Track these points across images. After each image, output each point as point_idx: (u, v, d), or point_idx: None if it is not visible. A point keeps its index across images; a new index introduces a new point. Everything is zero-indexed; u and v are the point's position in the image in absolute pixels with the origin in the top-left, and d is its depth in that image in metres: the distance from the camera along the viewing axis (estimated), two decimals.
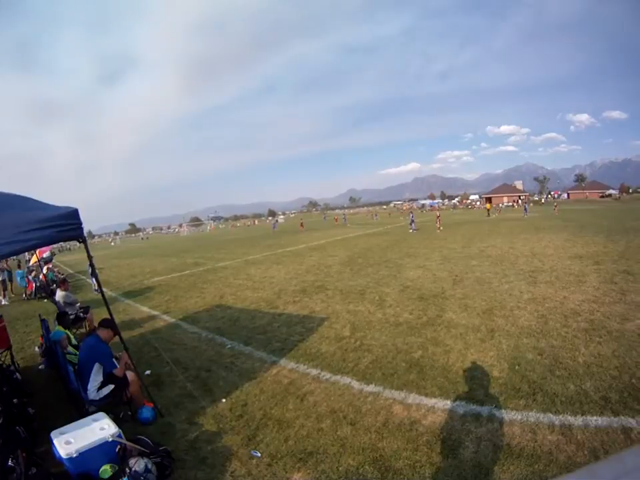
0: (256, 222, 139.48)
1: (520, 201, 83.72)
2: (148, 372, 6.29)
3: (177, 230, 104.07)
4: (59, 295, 9.64)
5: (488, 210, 52.79)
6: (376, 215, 76.74)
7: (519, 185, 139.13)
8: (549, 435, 3.80)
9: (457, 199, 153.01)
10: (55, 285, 12.99)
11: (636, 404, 4.15)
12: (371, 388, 5.08)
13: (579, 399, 4.37)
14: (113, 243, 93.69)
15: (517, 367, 5.26)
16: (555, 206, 54.01)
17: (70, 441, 3.58)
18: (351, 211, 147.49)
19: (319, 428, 4.29)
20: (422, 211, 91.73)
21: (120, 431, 3.83)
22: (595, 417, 4.01)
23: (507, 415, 4.21)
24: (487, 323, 7.10)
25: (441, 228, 28.45)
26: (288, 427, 4.39)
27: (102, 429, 3.79)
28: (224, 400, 5.16)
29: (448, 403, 4.55)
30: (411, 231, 30.02)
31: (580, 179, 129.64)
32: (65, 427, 3.83)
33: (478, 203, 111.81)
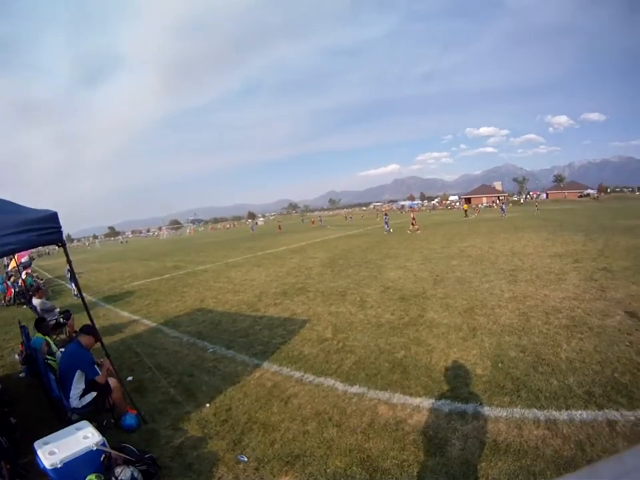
0: (235, 224, 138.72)
1: (498, 201, 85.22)
2: (130, 378, 6.19)
3: (156, 233, 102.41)
4: (35, 302, 9.47)
5: (465, 211, 53.38)
6: (350, 217, 77.48)
7: (498, 185, 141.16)
8: (535, 430, 3.86)
9: (436, 200, 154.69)
10: (32, 292, 12.74)
11: (619, 397, 4.25)
12: (355, 389, 5.07)
13: (563, 394, 4.45)
14: (89, 247, 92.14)
15: (500, 365, 5.33)
16: (537, 205, 55.63)
17: (54, 451, 3.49)
18: (330, 213, 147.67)
19: (304, 430, 4.27)
20: (401, 212, 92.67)
21: (104, 439, 3.76)
22: (579, 411, 4.10)
23: (492, 411, 4.25)
24: (468, 322, 7.17)
25: (418, 230, 28.11)
26: (273, 430, 4.36)
27: (86, 437, 3.71)
28: (208, 405, 5.10)
29: (433, 402, 4.57)
30: (386, 232, 30.18)
31: (558, 179, 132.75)
32: (48, 436, 3.74)
33: (457, 204, 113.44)
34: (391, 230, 30.42)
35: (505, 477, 3.26)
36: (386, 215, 35.61)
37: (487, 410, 4.30)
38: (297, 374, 5.71)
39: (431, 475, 3.39)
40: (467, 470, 3.38)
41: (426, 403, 4.58)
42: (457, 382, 5.01)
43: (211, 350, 7.12)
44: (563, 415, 4.07)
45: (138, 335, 8.73)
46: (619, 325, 6.32)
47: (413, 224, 29.19)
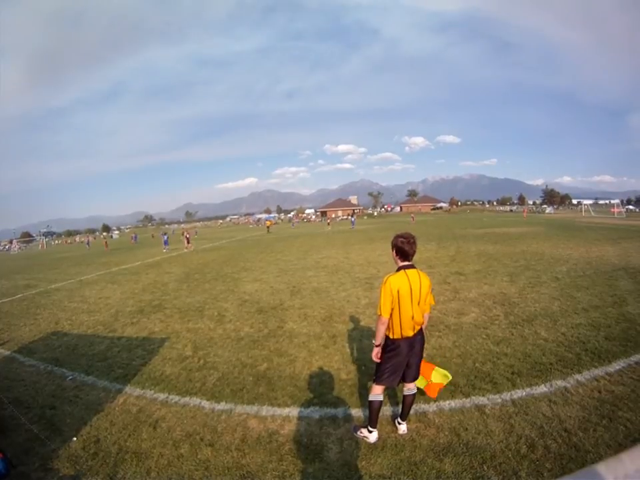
0: (91, 238, 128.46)
1: (347, 215, 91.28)
2: None
3: (7, 247, 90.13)
4: None
5: (268, 227, 55.28)
6: (171, 233, 77.70)
7: (353, 199, 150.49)
8: (407, 424, 4.12)
9: (292, 213, 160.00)
10: None
11: (483, 384, 4.80)
12: (222, 406, 5.03)
13: None
14: None
15: (363, 368, 5.67)
16: (412, 217, 60.44)
17: None
18: (182, 226, 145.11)
19: (178, 454, 4.11)
20: (258, 225, 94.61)
21: None
22: (447, 402, 4.51)
23: (362, 412, 4.47)
24: (328, 330, 7.51)
25: (192, 248, 31.42)
26: (147, 458, 4.11)
27: None
28: (75, 438, 4.63)
29: (302, 410, 4.68)
30: (164, 250, 31.94)
31: (412, 193, 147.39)
32: None
33: (313, 217, 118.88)
34: (164, 250, 32.29)
35: (388, 471, 3.44)
36: (165, 234, 37.03)
37: (356, 412, 4.52)
38: (162, 396, 5.51)
39: None
40: (349, 471, 3.51)
41: (295, 412, 4.67)
42: (323, 388, 5.19)
43: (70, 377, 6.53)
44: (431, 407, 4.43)
45: None
46: (475, 321, 7.16)
47: (187, 242, 32.44)
